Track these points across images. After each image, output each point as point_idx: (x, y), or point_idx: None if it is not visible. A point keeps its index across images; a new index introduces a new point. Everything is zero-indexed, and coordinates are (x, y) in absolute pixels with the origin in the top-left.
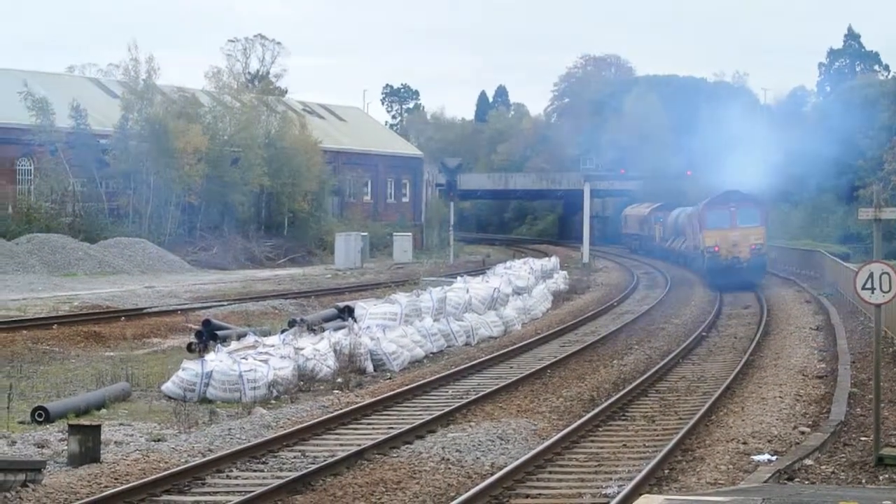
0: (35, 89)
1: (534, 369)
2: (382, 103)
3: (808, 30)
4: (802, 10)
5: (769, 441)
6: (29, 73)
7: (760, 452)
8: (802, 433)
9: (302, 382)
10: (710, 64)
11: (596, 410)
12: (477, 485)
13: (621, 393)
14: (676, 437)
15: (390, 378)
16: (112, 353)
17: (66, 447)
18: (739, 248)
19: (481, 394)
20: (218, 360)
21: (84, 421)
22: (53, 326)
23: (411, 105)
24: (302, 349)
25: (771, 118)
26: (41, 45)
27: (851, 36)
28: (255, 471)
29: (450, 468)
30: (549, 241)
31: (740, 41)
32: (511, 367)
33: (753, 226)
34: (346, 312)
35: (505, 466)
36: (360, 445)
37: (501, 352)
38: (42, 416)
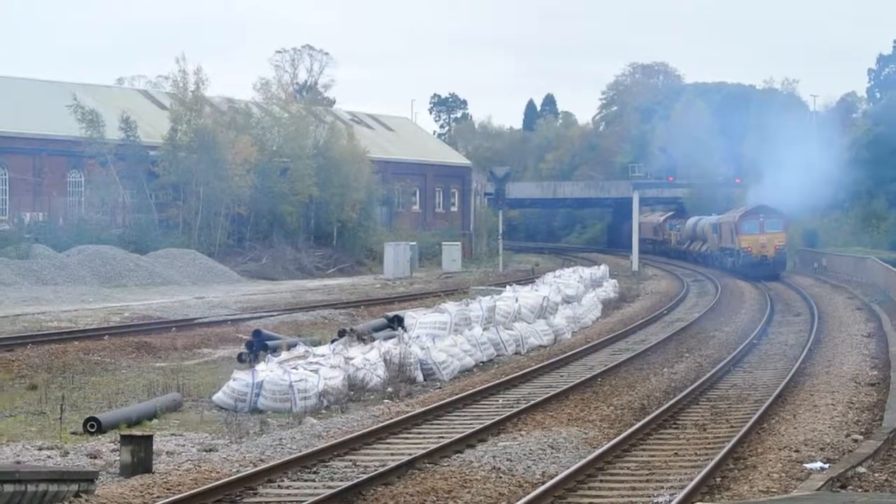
0: (85, 101)
1: (584, 378)
2: (430, 113)
3: (857, 36)
4: (852, 16)
5: (821, 449)
6: (79, 85)
7: (813, 460)
8: (855, 441)
9: (352, 392)
10: (760, 71)
11: (647, 419)
12: (528, 493)
13: (672, 401)
14: (728, 446)
15: (440, 387)
16: (163, 364)
17: (118, 458)
18: (767, 249)
19: (532, 402)
20: (268, 370)
21: (136, 431)
22: (105, 337)
23: (459, 114)
24: (352, 359)
25: (821, 125)
26: (91, 58)
27: None
28: (306, 480)
29: (501, 477)
30: (598, 249)
31: (789, 48)
32: (561, 376)
33: (777, 231)
34: (396, 322)
35: (556, 475)
36: (410, 455)
37: (551, 360)
38: (94, 426)
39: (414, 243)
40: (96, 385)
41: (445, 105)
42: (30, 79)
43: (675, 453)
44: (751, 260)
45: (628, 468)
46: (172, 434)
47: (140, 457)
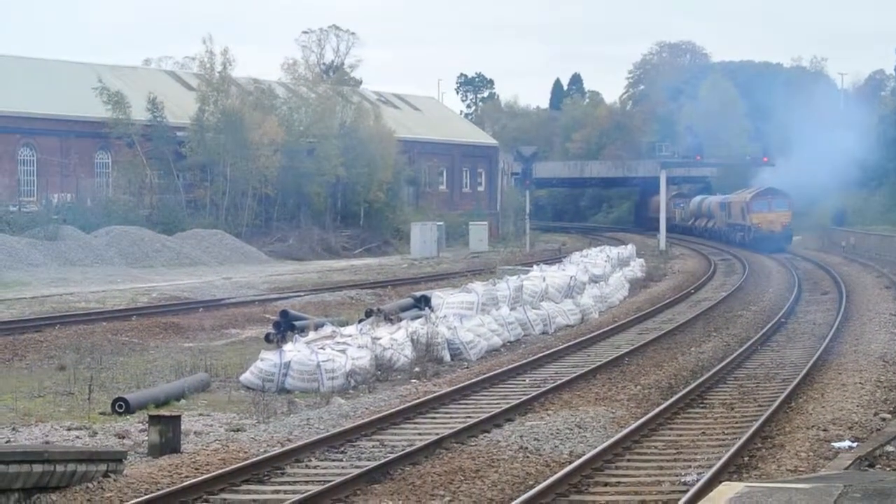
0: (112, 83)
1: (611, 357)
2: (457, 93)
3: (886, 13)
4: None
5: (850, 428)
6: (106, 66)
7: (841, 439)
8: (883, 420)
9: (379, 372)
10: (788, 49)
11: (674, 398)
12: (555, 473)
13: (700, 380)
14: (756, 425)
15: (467, 367)
16: (190, 344)
17: (146, 438)
18: (774, 225)
19: (559, 382)
20: (296, 350)
21: (164, 411)
22: (132, 318)
23: (486, 94)
24: (379, 339)
25: (848, 103)
26: (118, 39)
27: None
28: (333, 460)
29: (528, 457)
30: (624, 228)
31: (817, 26)
32: (588, 356)
33: (783, 210)
34: (423, 302)
35: (583, 454)
36: (438, 434)
37: (578, 340)
38: (122, 407)
39: (441, 223)
40: (124, 365)
41: (472, 85)
42: (57, 60)
43: (703, 432)
44: (761, 234)
45: (656, 447)
46: (200, 414)
47: (168, 437)
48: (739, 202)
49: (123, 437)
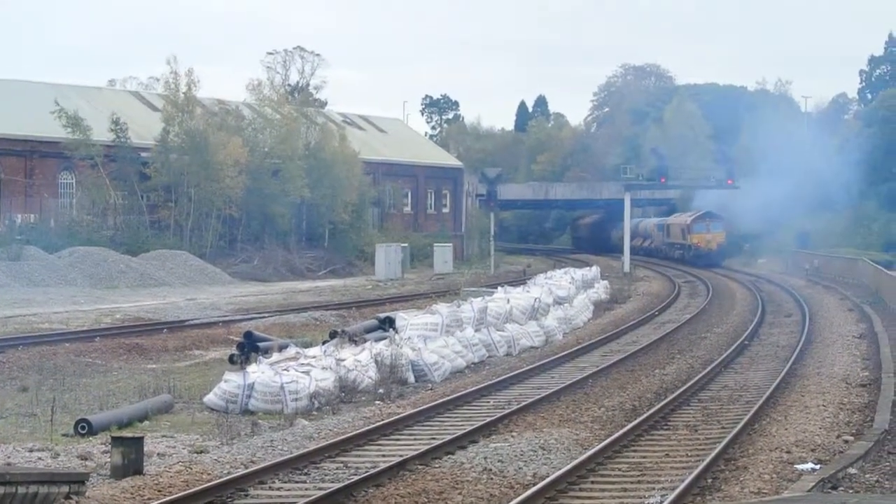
0: (75, 103)
1: (575, 379)
2: (422, 114)
3: (849, 37)
4: (843, 18)
5: (812, 450)
6: (70, 87)
7: (804, 461)
8: (846, 442)
9: (343, 394)
10: (752, 72)
11: (638, 420)
12: (519, 495)
13: (663, 402)
14: (719, 447)
15: (431, 389)
16: (154, 366)
17: (109, 459)
18: (711, 244)
19: (523, 404)
20: (259, 371)
21: (127, 433)
22: (96, 339)
23: (451, 116)
24: (343, 360)
25: (812, 126)
26: (82, 60)
27: (892, 42)
28: (297, 482)
29: (492, 478)
30: (588, 250)
31: (781, 49)
32: (552, 377)
33: (719, 231)
34: (387, 323)
35: (547, 476)
36: (402, 456)
37: (543, 362)
38: (85, 428)
39: (405, 245)
40: (87, 387)
41: (437, 106)
42: (21, 80)
43: (667, 454)
44: (700, 252)
45: (619, 469)
46: (163, 436)
47: (131, 458)
48: (679, 224)
49: (86, 459)
